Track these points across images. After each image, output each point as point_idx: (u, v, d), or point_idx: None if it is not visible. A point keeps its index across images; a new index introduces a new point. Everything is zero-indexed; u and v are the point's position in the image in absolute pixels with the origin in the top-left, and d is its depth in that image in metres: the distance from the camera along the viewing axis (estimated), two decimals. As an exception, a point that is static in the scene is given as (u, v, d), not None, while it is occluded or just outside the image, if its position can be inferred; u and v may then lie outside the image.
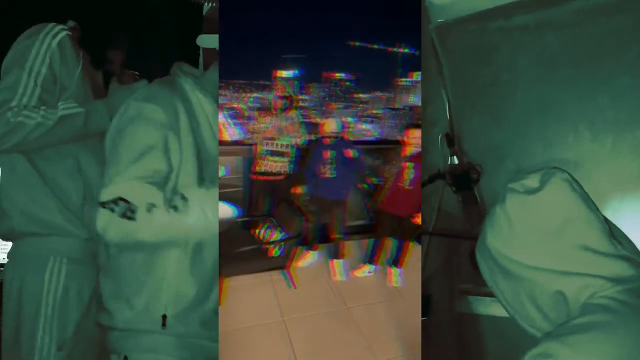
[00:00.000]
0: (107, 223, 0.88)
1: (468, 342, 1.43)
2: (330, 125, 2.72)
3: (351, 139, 3.12)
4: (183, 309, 0.98)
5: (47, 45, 1.03)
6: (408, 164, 2.51)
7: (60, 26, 1.07)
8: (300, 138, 2.80)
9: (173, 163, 0.96)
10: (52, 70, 1.03)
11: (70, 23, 1.10)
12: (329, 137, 2.69)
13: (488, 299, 1.35)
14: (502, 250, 0.69)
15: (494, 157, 1.33)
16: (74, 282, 1.10)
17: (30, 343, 1.05)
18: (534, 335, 0.68)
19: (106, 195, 0.90)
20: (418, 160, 2.49)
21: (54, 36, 1.04)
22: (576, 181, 0.69)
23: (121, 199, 0.88)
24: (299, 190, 2.77)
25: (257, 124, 2.76)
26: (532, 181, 0.71)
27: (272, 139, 2.73)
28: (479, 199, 1.36)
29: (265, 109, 2.80)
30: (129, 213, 0.87)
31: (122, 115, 0.97)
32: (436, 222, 1.49)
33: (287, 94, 2.75)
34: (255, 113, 2.83)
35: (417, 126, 2.50)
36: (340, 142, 2.73)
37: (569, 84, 1.20)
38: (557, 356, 0.54)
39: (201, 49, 1.11)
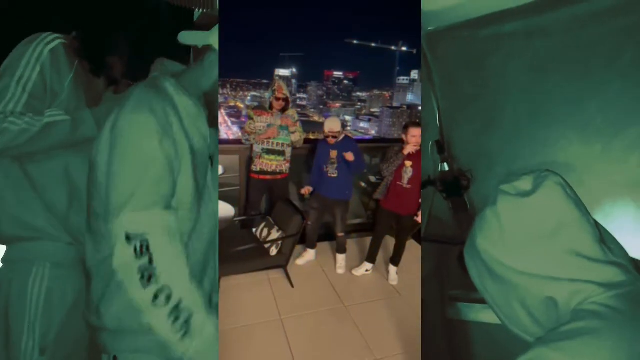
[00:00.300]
0: (125, 264, 0.83)
1: (459, 347, 1.44)
2: (329, 124, 2.72)
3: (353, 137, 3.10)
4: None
5: (39, 52, 1.03)
6: (406, 162, 2.52)
7: (56, 35, 1.06)
8: (296, 136, 2.80)
9: (175, 173, 0.92)
10: (42, 77, 1.03)
11: (73, 34, 1.09)
12: (331, 136, 2.71)
13: (478, 305, 1.36)
14: (492, 253, 0.68)
15: (485, 163, 1.34)
16: (57, 286, 1.10)
17: (18, 347, 1.07)
18: (524, 340, 0.67)
19: (128, 223, 0.84)
20: (416, 158, 2.50)
21: (47, 44, 1.04)
22: (569, 185, 0.68)
23: (148, 248, 0.83)
24: (306, 191, 2.81)
25: (252, 122, 2.75)
26: (525, 184, 0.70)
27: (269, 138, 2.74)
28: (469, 206, 1.36)
29: (262, 107, 2.79)
30: (144, 278, 0.82)
31: (113, 127, 0.92)
32: (427, 228, 1.50)
33: (284, 96, 2.73)
34: (251, 112, 2.81)
35: (415, 124, 2.51)
36: (344, 141, 2.74)
37: (559, 90, 1.21)
38: None
39: (192, 50, 1.08)
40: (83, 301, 1.00)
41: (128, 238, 0.84)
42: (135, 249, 0.84)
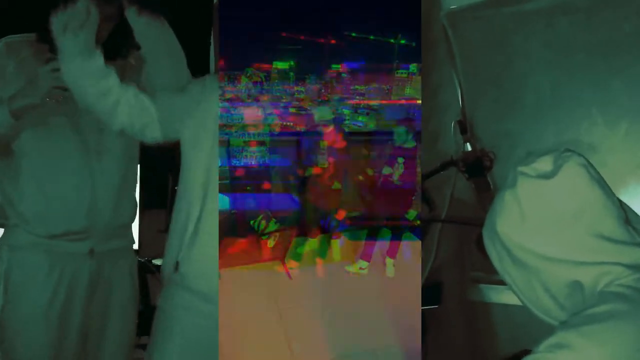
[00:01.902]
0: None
1: (480, 329, 1.44)
2: (317, 114, 2.68)
3: (346, 130, 3.03)
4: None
5: None
6: (399, 158, 2.48)
7: (6, 37, 1.18)
8: (275, 126, 2.68)
9: None
10: None
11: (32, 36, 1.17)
12: (319, 126, 2.66)
13: (500, 287, 1.34)
14: (513, 237, 0.66)
15: (507, 144, 1.31)
16: (12, 267, 1.20)
17: None
18: (548, 323, 0.65)
19: None
20: (409, 154, 2.46)
21: None
22: (592, 165, 0.66)
23: None
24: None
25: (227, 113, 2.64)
26: (545, 164, 0.67)
27: (244, 127, 2.61)
28: (492, 186, 1.33)
29: (235, 98, 2.66)
30: None
31: None
32: (448, 210, 1.49)
33: (258, 78, 2.60)
34: (226, 103, 2.68)
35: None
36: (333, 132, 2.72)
37: (582, 69, 1.18)
38: (573, 347, 0.52)
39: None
40: (38, 284, 1.15)
41: None
42: None
